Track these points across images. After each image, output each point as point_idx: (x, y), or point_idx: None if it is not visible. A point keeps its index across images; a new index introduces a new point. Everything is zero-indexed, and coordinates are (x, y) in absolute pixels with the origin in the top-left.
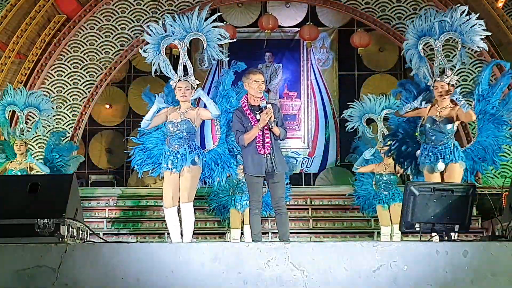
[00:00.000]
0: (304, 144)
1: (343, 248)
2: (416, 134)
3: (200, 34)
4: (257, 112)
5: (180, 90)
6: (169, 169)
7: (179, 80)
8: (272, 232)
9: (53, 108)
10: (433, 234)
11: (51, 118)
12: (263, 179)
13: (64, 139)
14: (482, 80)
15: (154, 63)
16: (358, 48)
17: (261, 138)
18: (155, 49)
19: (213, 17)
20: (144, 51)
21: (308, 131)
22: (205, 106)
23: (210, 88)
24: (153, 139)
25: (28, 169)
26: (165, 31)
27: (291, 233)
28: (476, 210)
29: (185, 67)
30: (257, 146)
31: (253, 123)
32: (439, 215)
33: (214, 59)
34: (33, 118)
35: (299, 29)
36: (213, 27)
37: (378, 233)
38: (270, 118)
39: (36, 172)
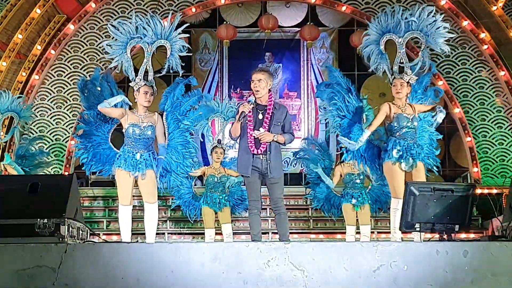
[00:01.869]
0: (304, 144)
1: (343, 248)
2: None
3: (167, 42)
4: (260, 112)
5: (146, 94)
6: (130, 170)
7: (144, 84)
8: (272, 232)
9: (32, 117)
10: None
11: (28, 125)
12: (259, 177)
13: (38, 143)
14: (420, 81)
15: (117, 60)
16: (357, 47)
17: (253, 137)
18: (121, 47)
19: (181, 28)
20: (108, 45)
21: (308, 131)
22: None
23: (210, 88)
24: (94, 137)
25: (3, 170)
26: (136, 31)
27: (291, 233)
28: (476, 210)
29: (146, 71)
30: (249, 146)
31: (248, 121)
32: (439, 215)
33: (172, 69)
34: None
35: (299, 29)
36: (180, 38)
37: (378, 232)
38: (242, 113)
39: (9, 173)
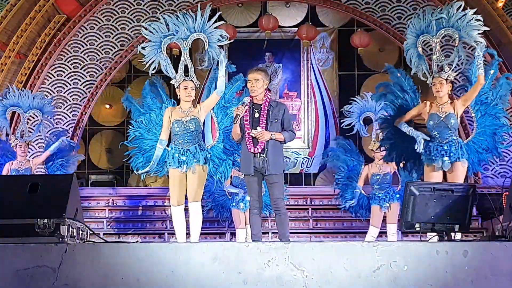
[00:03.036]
0: (304, 144)
1: (343, 248)
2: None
3: (202, 34)
4: (256, 110)
5: (186, 89)
6: (179, 166)
7: (183, 79)
8: (272, 232)
9: (53, 111)
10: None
11: (52, 119)
12: (259, 177)
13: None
14: (473, 72)
15: (154, 61)
16: (358, 48)
17: (251, 136)
18: (156, 47)
19: (215, 18)
20: (143, 48)
21: (308, 131)
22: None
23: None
24: (147, 141)
25: (32, 169)
26: (168, 29)
27: (291, 233)
28: (476, 210)
29: (186, 67)
30: (247, 144)
31: (245, 121)
32: (439, 215)
33: (213, 59)
34: (32, 118)
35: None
36: (215, 27)
37: (380, 232)
38: (237, 116)
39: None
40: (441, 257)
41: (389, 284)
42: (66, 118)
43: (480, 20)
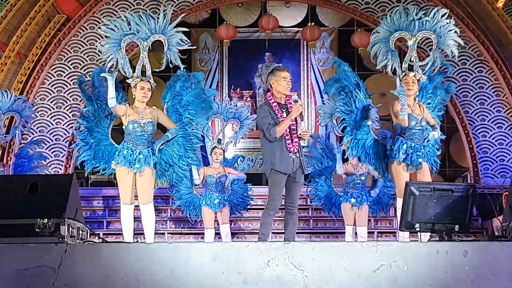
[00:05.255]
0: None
1: (343, 248)
2: (369, 123)
3: (163, 36)
4: (284, 110)
5: (143, 90)
6: (128, 166)
7: (141, 80)
8: (272, 232)
9: (34, 116)
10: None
11: (30, 124)
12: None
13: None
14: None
15: (112, 58)
16: (358, 48)
17: (290, 135)
18: (115, 45)
19: (176, 21)
20: (102, 45)
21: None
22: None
23: (210, 87)
24: (95, 133)
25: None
26: (130, 28)
27: None
28: (476, 210)
29: (144, 67)
30: (287, 144)
31: (281, 120)
32: (439, 215)
33: (171, 63)
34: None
35: (299, 29)
36: (176, 31)
37: (379, 232)
38: (301, 113)
39: None
40: (441, 257)
41: (389, 284)
42: (66, 118)
43: (457, 33)
